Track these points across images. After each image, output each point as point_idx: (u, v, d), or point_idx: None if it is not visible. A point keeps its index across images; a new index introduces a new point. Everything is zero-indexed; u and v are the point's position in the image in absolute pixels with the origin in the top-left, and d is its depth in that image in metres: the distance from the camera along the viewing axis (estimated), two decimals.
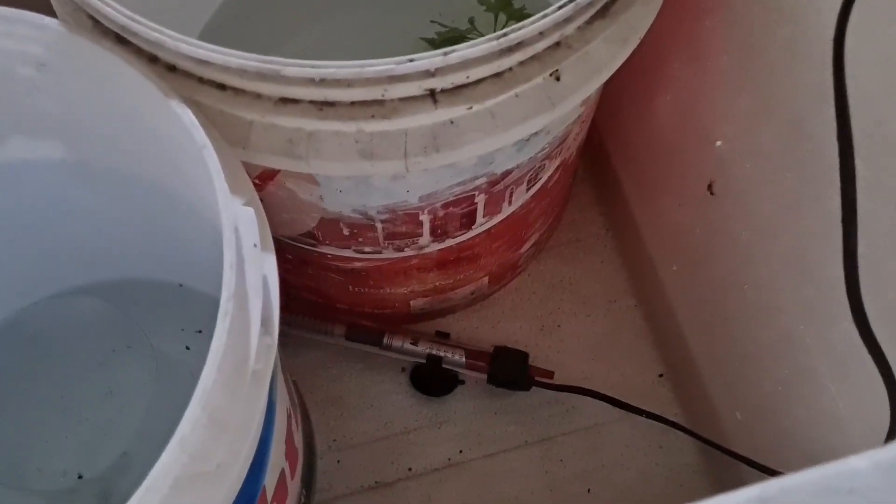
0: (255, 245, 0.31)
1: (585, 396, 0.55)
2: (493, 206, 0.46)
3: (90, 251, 0.47)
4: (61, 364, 0.51)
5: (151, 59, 0.34)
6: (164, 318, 0.53)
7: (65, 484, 0.50)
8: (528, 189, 0.47)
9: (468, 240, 0.48)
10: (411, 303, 0.55)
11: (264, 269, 0.31)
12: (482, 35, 0.56)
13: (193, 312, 0.53)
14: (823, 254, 0.38)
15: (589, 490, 0.55)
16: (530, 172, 0.45)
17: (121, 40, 0.34)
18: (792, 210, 0.40)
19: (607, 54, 0.37)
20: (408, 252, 0.47)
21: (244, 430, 0.29)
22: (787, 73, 0.38)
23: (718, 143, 0.45)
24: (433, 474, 0.56)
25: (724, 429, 0.52)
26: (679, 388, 0.57)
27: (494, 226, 0.48)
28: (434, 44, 0.57)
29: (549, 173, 0.47)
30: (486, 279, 0.56)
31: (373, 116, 0.33)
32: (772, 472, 0.46)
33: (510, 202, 0.46)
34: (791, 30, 0.37)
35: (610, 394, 0.55)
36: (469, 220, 0.46)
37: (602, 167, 0.62)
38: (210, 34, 0.56)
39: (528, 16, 0.58)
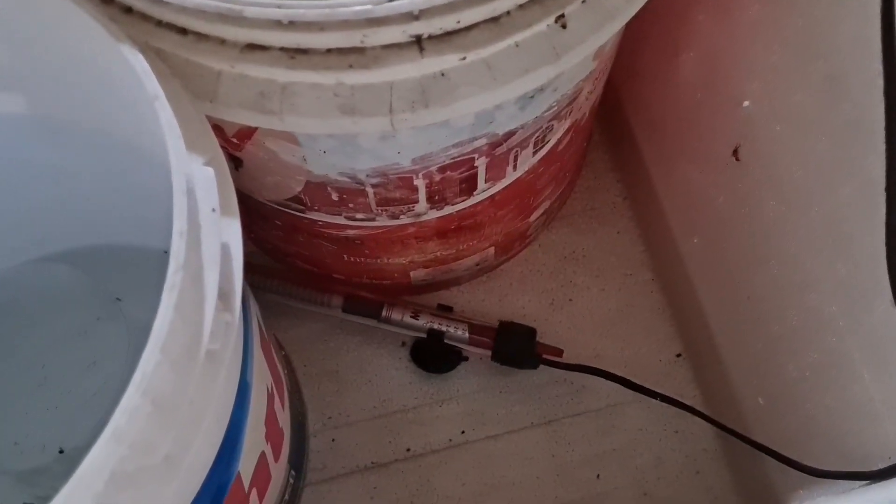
0: (213, 210, 0.27)
1: (596, 376, 0.51)
2: (495, 171, 0.42)
3: (61, 216, 0.44)
4: (39, 335, 0.49)
5: (106, 1, 0.30)
6: (148, 286, 0.49)
7: (43, 460, 0.47)
8: (534, 152, 0.43)
9: (470, 207, 0.44)
10: (412, 274, 0.52)
11: (224, 237, 0.27)
12: None
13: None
14: (861, 227, 0.34)
15: (598, 476, 0.52)
16: (536, 134, 0.41)
17: None
18: (826, 178, 0.36)
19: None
20: (404, 220, 0.44)
21: (197, 417, 0.26)
22: (826, 24, 0.34)
23: (746, 103, 0.41)
24: (433, 455, 0.53)
25: (745, 414, 0.48)
26: (698, 369, 0.54)
27: (498, 192, 0.44)
28: None
29: (558, 136, 0.43)
30: (491, 249, 0.52)
31: (350, 66, 0.29)
32: (796, 465, 0.42)
33: (515, 167, 0.43)
34: None
35: (623, 374, 0.51)
36: (469, 185, 0.42)
37: (619, 130, 0.58)
38: None
39: None
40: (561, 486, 0.52)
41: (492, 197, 0.44)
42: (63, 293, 0.48)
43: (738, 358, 0.49)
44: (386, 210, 0.42)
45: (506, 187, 0.44)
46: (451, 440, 0.53)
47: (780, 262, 0.41)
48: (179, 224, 0.25)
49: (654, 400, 0.51)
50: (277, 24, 0.28)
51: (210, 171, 0.28)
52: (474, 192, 0.43)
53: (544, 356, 0.52)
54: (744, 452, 0.48)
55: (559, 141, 0.44)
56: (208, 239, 0.27)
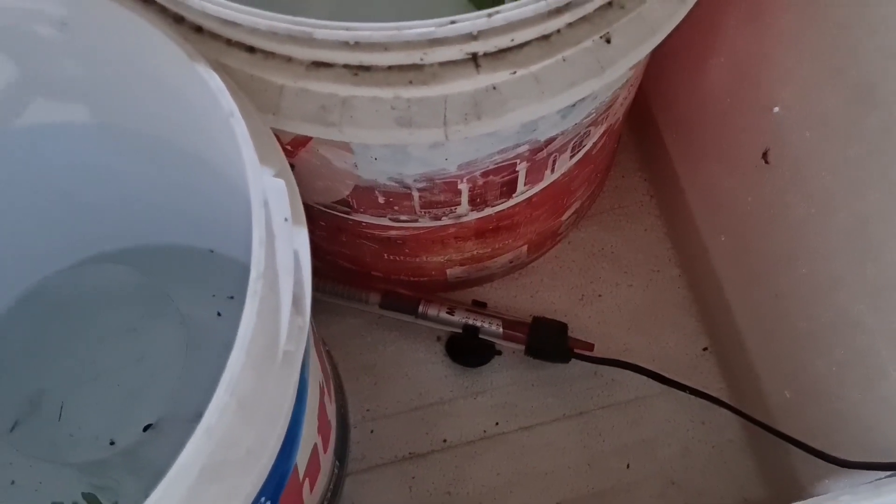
0: (285, 219, 0.29)
1: (626, 370, 0.53)
2: (534, 175, 0.43)
3: (117, 217, 0.46)
4: (91, 331, 0.51)
5: (177, 20, 0.32)
6: (195, 284, 0.52)
7: (97, 454, 0.49)
8: (571, 156, 0.44)
9: (508, 208, 0.46)
10: (448, 271, 0.54)
11: (295, 245, 0.29)
12: None
13: (225, 279, 0.52)
14: (889, 230, 0.35)
15: (628, 465, 0.54)
16: (575, 139, 0.43)
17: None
18: (855, 183, 0.38)
19: (663, 14, 0.34)
20: (445, 221, 0.46)
21: (274, 413, 0.28)
22: (858, 35, 0.35)
23: (776, 109, 0.42)
24: (468, 446, 0.55)
25: (771, 407, 0.50)
26: (724, 363, 0.55)
27: (535, 194, 0.46)
28: (476, 4, 0.54)
29: (594, 140, 0.45)
30: (525, 248, 0.54)
31: (411, 82, 0.31)
32: (821, 455, 0.44)
33: (552, 170, 0.44)
34: None
35: (651, 367, 0.53)
36: (509, 188, 0.44)
37: (647, 131, 0.59)
38: None
39: None
40: (592, 475, 0.54)
41: (529, 199, 0.46)
42: (115, 291, 0.50)
43: (764, 352, 0.50)
44: (429, 212, 0.44)
45: (543, 189, 0.46)
46: (485, 431, 0.55)
47: (807, 261, 0.43)
48: (259, 234, 0.27)
49: (681, 392, 0.53)
50: (344, 45, 0.29)
51: (281, 182, 0.29)
52: (513, 195, 0.45)
53: (576, 350, 0.54)
54: (769, 443, 0.50)
55: (594, 144, 0.46)
56: (282, 247, 0.28)
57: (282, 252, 0.28)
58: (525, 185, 0.44)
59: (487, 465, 0.54)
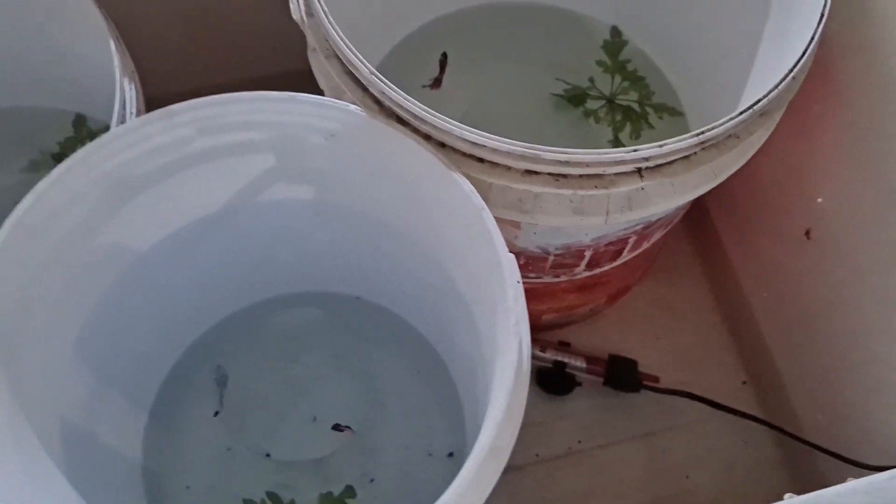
0: (517, 281, 0.41)
1: (685, 398, 0.66)
2: (637, 245, 0.57)
3: (322, 268, 0.58)
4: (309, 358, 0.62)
5: (426, 137, 0.45)
6: (352, 324, 0.64)
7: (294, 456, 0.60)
8: (664, 231, 0.58)
9: (610, 269, 0.59)
10: (543, 317, 0.67)
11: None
12: (602, 93, 0.68)
13: (372, 321, 0.63)
14: None
15: (687, 476, 0.67)
16: (669, 219, 0.56)
17: (400, 120, 0.45)
18: (885, 256, 0.51)
19: (756, 139, 0.48)
20: (562, 278, 0.58)
21: (519, 421, 0.40)
22: (889, 146, 0.49)
23: (819, 199, 0.56)
24: (556, 460, 0.67)
25: (804, 428, 0.63)
26: (760, 393, 0.69)
27: (632, 258, 0.59)
28: (565, 98, 0.68)
29: (678, 218, 0.59)
30: (605, 299, 0.67)
31: (595, 187, 0.44)
32: (849, 461, 0.57)
33: (649, 241, 0.58)
34: None
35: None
36: (617, 254, 0.57)
37: (695, 206, 0.73)
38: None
39: (640, 77, 0.70)
40: (657, 484, 0.66)
41: (626, 262, 0.59)
42: (314, 328, 0.62)
43: (798, 383, 0.64)
44: (554, 271, 0.57)
45: (637, 255, 0.59)
46: (570, 448, 0.67)
47: (843, 313, 0.57)
48: (514, 297, 0.39)
49: (726, 416, 0.66)
50: (557, 162, 0.42)
51: (512, 256, 0.42)
52: (618, 259, 0.58)
53: (644, 382, 0.67)
54: (800, 456, 0.63)
55: (678, 221, 0.59)
56: (519, 307, 0.41)
57: (519, 309, 0.41)
58: (629, 252, 0.57)
59: (572, 476, 0.67)
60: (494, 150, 0.43)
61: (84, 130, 0.68)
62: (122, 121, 0.48)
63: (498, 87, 0.69)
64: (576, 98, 0.68)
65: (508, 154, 0.42)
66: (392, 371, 0.63)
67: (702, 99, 0.66)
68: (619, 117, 0.67)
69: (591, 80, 0.69)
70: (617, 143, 0.66)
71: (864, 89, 0.50)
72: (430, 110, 0.42)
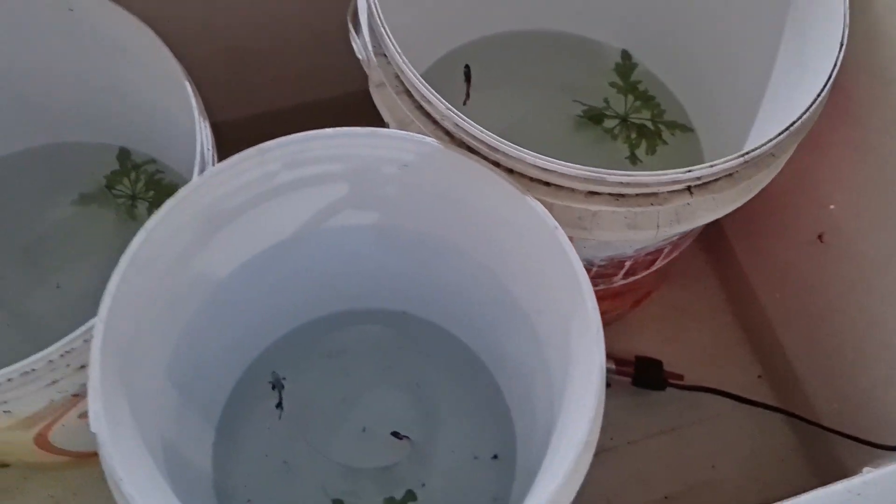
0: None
1: (708, 393, 0.71)
2: (670, 253, 0.62)
3: (374, 285, 0.62)
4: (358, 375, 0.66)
5: (494, 163, 0.49)
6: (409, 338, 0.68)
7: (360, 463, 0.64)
8: (692, 239, 0.63)
9: (643, 276, 0.64)
10: None
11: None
12: (616, 112, 0.73)
13: (418, 334, 0.67)
14: None
15: (713, 466, 0.72)
16: (699, 228, 0.61)
17: (470, 149, 0.49)
18: None
19: (786, 156, 0.53)
20: (600, 286, 0.63)
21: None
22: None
23: (832, 206, 0.62)
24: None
25: (820, 417, 0.69)
26: (776, 385, 0.74)
27: (663, 266, 0.64)
28: (585, 118, 0.73)
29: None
30: (630, 304, 0.72)
31: (651, 204, 0.49)
32: (866, 442, 0.62)
33: (679, 249, 0.63)
34: None
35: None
36: (652, 263, 0.62)
37: None
38: None
39: (651, 97, 0.75)
40: (687, 474, 0.71)
41: (658, 269, 0.64)
42: (364, 343, 0.66)
43: (812, 375, 0.70)
44: (594, 281, 0.61)
45: (667, 262, 0.64)
46: (602, 445, 0.72)
47: (857, 308, 0.62)
48: (593, 307, 0.44)
49: (746, 409, 0.71)
50: (620, 184, 0.47)
51: (584, 270, 0.46)
52: (651, 267, 0.63)
53: (669, 381, 0.72)
54: (818, 443, 0.69)
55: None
56: (597, 315, 0.45)
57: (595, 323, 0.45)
58: (662, 260, 0.62)
59: (606, 470, 0.71)
60: (562, 175, 0.47)
61: (129, 164, 0.71)
62: (203, 160, 0.51)
63: (521, 110, 0.73)
64: (595, 118, 0.73)
65: (575, 178, 0.47)
66: (438, 380, 0.67)
67: (710, 115, 0.71)
68: (634, 135, 0.72)
69: (606, 100, 0.74)
70: (634, 158, 0.71)
71: (872, 105, 0.56)
72: (505, 141, 0.47)
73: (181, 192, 0.45)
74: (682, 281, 0.79)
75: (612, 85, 0.75)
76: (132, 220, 0.69)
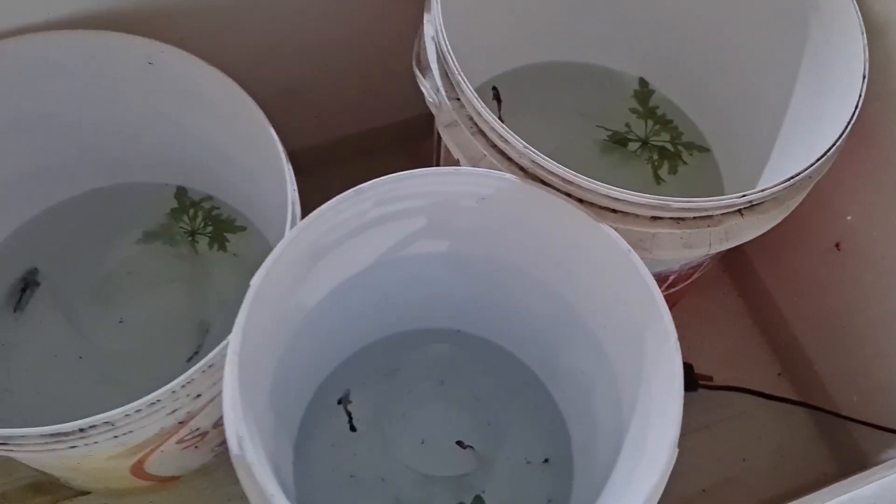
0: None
1: (736, 392, 0.77)
2: (707, 265, 0.67)
3: (436, 307, 0.67)
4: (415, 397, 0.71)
5: (566, 194, 0.54)
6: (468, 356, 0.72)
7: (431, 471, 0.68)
8: (725, 255, 0.69)
9: (681, 288, 0.70)
10: None
11: None
12: (638, 136, 0.79)
13: (472, 350, 0.72)
14: None
15: (744, 459, 0.78)
16: None
17: (542, 182, 0.54)
18: None
19: (819, 177, 0.59)
20: None
21: None
22: None
23: (849, 217, 0.68)
24: None
25: (842, 409, 0.75)
26: (796, 381, 0.81)
27: (697, 278, 0.70)
28: (611, 142, 0.79)
29: None
30: None
31: (708, 226, 0.54)
32: (887, 430, 0.69)
33: (715, 261, 0.68)
34: None
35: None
36: (691, 275, 0.67)
37: None
38: None
39: (668, 120, 0.81)
40: (720, 468, 0.77)
41: (695, 280, 0.70)
42: (420, 361, 0.70)
43: (832, 371, 0.76)
44: None
45: (701, 275, 0.70)
46: None
47: (875, 308, 0.68)
48: (669, 319, 0.49)
49: (771, 405, 0.77)
50: (683, 209, 0.52)
51: (657, 287, 0.52)
52: (689, 279, 0.68)
53: (700, 382, 0.78)
54: (840, 435, 0.75)
55: None
56: (673, 326, 0.51)
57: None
58: (699, 272, 0.68)
59: None
60: (630, 203, 0.52)
61: (187, 201, 0.75)
62: (293, 212, 0.55)
63: (555, 137, 0.79)
64: (618, 141, 0.79)
65: (644, 205, 0.52)
66: (492, 392, 0.72)
67: (726, 136, 0.77)
68: (656, 156, 0.78)
69: (628, 125, 0.80)
70: (658, 179, 0.77)
71: (888, 124, 0.62)
72: (579, 175, 0.52)
73: (291, 233, 0.50)
74: (699, 290, 0.85)
75: (633, 111, 0.81)
76: (195, 254, 0.73)
